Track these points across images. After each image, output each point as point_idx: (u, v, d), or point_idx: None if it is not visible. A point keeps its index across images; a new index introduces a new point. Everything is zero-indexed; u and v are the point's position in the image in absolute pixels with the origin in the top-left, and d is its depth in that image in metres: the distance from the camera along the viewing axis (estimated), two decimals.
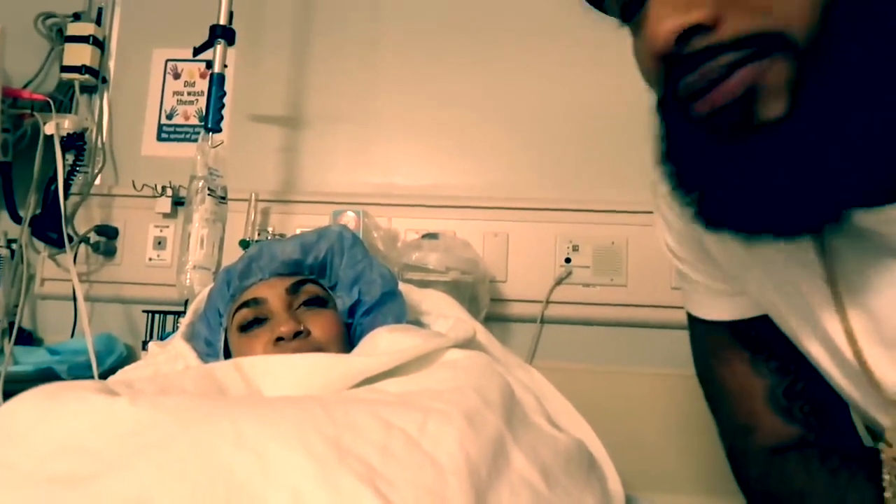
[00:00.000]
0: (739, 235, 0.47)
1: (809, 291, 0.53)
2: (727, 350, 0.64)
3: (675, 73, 0.44)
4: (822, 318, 0.53)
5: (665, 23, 0.41)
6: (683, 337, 0.74)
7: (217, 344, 0.83)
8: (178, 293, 1.22)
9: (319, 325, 0.78)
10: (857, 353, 0.51)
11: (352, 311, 0.85)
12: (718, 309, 0.64)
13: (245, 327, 0.79)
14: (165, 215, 1.55)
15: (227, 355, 0.83)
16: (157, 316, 1.43)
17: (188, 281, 1.21)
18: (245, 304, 0.80)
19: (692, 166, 0.47)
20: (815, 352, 0.55)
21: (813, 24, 0.39)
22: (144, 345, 1.40)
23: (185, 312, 1.17)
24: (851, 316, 0.51)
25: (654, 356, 1.38)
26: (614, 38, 1.59)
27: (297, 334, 0.75)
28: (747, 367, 0.63)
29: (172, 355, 0.83)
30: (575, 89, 1.51)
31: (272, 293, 0.80)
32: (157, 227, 1.56)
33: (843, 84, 0.39)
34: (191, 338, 0.86)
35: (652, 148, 0.65)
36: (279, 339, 0.75)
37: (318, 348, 0.76)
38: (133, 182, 1.55)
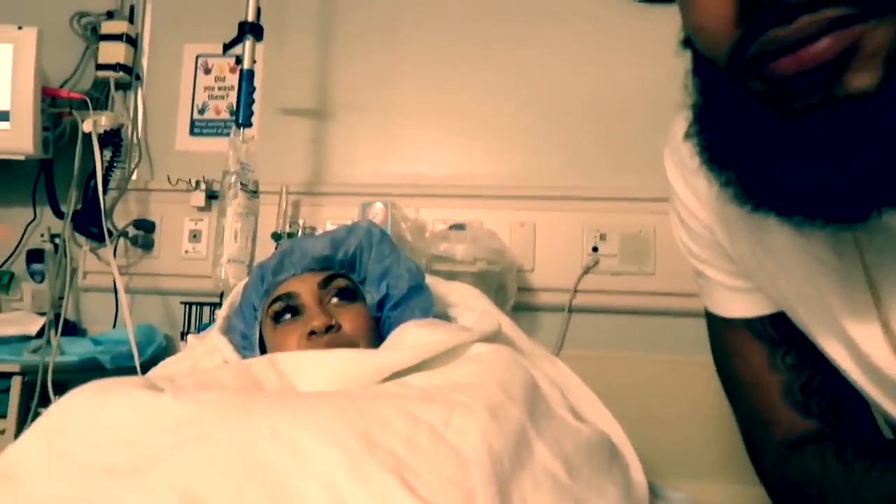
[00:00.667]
0: (795, 220, 0.43)
1: (829, 290, 0.53)
2: (744, 345, 0.65)
3: (759, 23, 0.38)
4: (846, 317, 0.53)
5: None
6: None
7: (252, 337, 0.86)
8: (213, 285, 1.27)
9: (350, 318, 0.81)
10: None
11: (381, 305, 0.87)
12: (735, 306, 0.65)
13: (279, 320, 0.82)
14: (200, 209, 1.59)
15: (262, 347, 0.86)
16: (194, 307, 1.48)
17: (223, 274, 1.24)
18: (278, 299, 0.83)
19: (744, 139, 0.43)
20: (833, 350, 0.56)
21: None
22: (183, 335, 1.45)
23: (220, 304, 1.20)
24: (890, 313, 0.50)
25: (682, 344, 1.38)
26: (641, 25, 1.58)
27: (328, 328, 0.78)
28: (764, 362, 0.64)
29: (210, 348, 0.87)
30: (601, 77, 1.50)
31: (304, 288, 0.83)
32: (191, 220, 1.61)
33: None
34: (227, 331, 0.89)
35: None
36: (312, 332, 0.78)
37: (350, 342, 0.79)
38: (168, 176, 1.60)
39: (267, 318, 0.84)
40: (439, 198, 1.51)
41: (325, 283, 0.84)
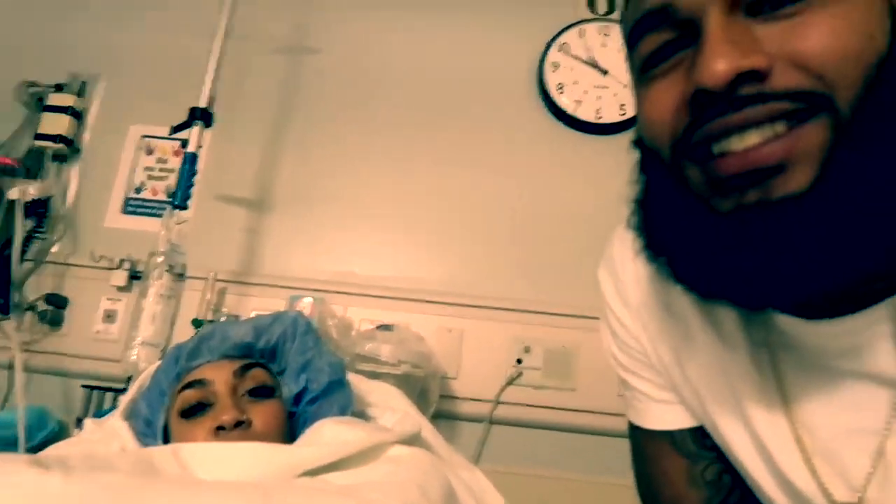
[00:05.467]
0: (726, 303, 0.48)
1: (747, 396, 0.55)
2: (665, 459, 0.66)
3: (709, 112, 0.43)
4: (761, 423, 0.55)
5: (722, 62, 0.41)
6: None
7: (157, 424, 0.81)
8: (122, 369, 1.20)
9: (262, 416, 0.77)
10: (807, 459, 0.52)
11: (298, 398, 0.84)
12: (658, 418, 0.66)
13: (187, 413, 0.78)
14: (120, 288, 1.53)
15: (166, 438, 0.81)
16: (95, 392, 1.39)
17: (134, 357, 1.18)
18: (189, 385, 0.79)
19: (680, 229, 0.47)
20: (748, 461, 0.57)
21: (858, 95, 0.40)
22: (79, 421, 1.35)
23: (125, 390, 1.14)
24: (799, 421, 0.53)
25: (599, 463, 1.38)
26: (578, 152, 1.70)
27: (238, 424, 0.74)
28: (684, 477, 0.64)
29: (109, 433, 0.81)
30: (537, 196, 1.58)
31: (218, 375, 0.80)
32: (109, 299, 1.54)
33: (871, 160, 0.40)
34: (130, 416, 0.83)
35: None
36: (220, 427, 0.74)
37: (260, 440, 0.75)
38: (91, 252, 1.54)
39: (175, 406, 0.80)
40: (369, 297, 1.51)
41: (241, 373, 0.81)
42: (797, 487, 0.53)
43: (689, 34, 0.45)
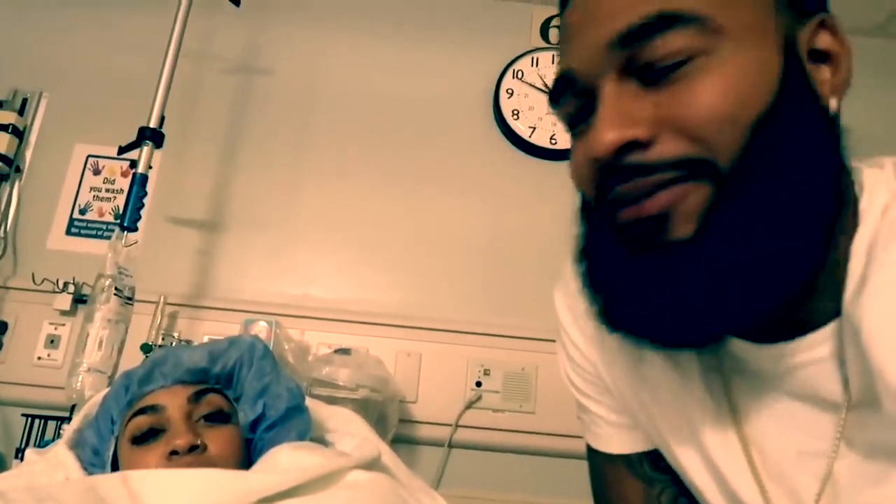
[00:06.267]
0: (633, 339, 0.49)
1: (701, 421, 0.56)
2: (623, 482, 0.66)
3: (609, 181, 0.47)
4: (714, 447, 0.56)
5: (608, 134, 0.44)
6: None
7: (105, 453, 0.77)
8: (65, 397, 1.15)
9: (218, 441, 0.75)
10: (759, 481, 0.53)
11: (255, 425, 0.82)
12: (615, 441, 0.67)
13: (138, 439, 0.75)
14: (63, 312, 1.47)
15: (115, 468, 0.77)
16: (37, 421, 1.32)
17: (79, 384, 1.13)
18: (141, 411, 0.76)
19: (604, 269, 0.50)
20: (703, 484, 0.58)
21: (738, 154, 0.43)
22: (18, 452, 1.28)
23: (69, 418, 1.09)
24: (751, 444, 0.54)
25: (559, 486, 1.38)
26: (535, 177, 1.72)
27: (192, 448, 0.72)
28: (641, 500, 0.65)
29: (52, 464, 0.76)
30: (494, 220, 1.59)
31: (172, 401, 0.77)
32: (51, 324, 1.48)
33: (750, 215, 0.43)
34: (76, 445, 0.79)
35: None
36: (173, 452, 0.71)
37: (212, 466, 0.72)
38: (33, 275, 1.48)
39: (125, 434, 0.76)
40: (326, 321, 1.49)
41: (196, 398, 0.78)
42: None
43: (592, 101, 0.48)
